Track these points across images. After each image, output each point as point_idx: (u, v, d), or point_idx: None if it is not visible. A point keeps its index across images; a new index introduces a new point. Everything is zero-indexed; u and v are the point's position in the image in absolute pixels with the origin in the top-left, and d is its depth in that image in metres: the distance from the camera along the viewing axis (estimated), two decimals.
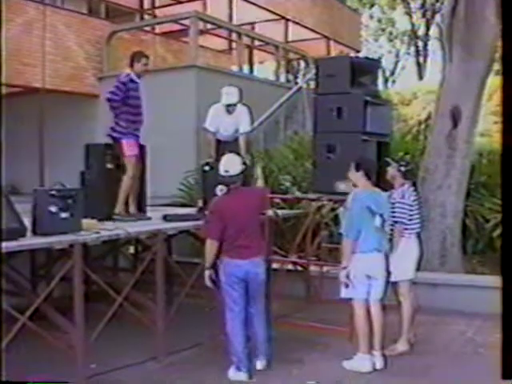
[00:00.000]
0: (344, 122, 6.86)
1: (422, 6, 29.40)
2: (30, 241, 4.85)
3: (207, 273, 5.44)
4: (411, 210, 6.01)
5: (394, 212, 5.88)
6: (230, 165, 5.51)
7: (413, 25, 30.68)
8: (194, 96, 12.23)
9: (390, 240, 5.84)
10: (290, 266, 7.88)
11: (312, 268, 8.02)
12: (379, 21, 32.69)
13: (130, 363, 5.65)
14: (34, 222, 5.19)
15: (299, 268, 8.05)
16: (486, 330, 6.81)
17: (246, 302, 5.50)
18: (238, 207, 5.42)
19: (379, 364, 5.61)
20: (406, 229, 5.99)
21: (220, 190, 6.61)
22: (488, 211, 9.00)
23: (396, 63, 34.65)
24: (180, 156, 11.53)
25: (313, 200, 7.44)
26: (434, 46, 30.12)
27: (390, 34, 32.92)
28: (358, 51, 22.96)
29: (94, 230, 5.42)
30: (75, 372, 5.13)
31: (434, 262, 8.32)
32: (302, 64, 26.01)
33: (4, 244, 4.48)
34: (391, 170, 6.18)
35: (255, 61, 19.38)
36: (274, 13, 18.03)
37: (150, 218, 6.77)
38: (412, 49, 33.54)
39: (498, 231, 8.57)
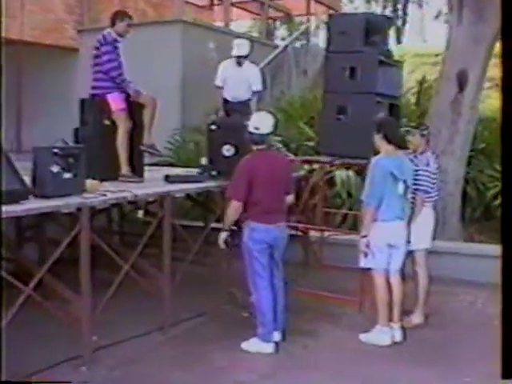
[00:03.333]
0: (357, 83, 6.50)
1: None
2: (35, 204, 4.38)
3: (224, 235, 5.12)
4: (434, 179, 5.74)
5: (417, 179, 5.58)
6: (261, 122, 5.14)
7: None
8: (179, 52, 11.71)
9: (412, 208, 5.56)
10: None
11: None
12: None
13: (135, 335, 5.31)
14: (34, 183, 4.74)
15: (298, 233, 7.74)
16: (494, 301, 6.62)
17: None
18: (267, 169, 5.09)
19: (398, 337, 5.37)
20: (428, 197, 5.71)
21: (227, 150, 6.27)
22: (488, 178, 8.82)
23: None
24: (164, 114, 10.98)
25: (325, 163, 7.07)
26: (412, 9, 29.86)
27: None
28: (337, 11, 22.47)
29: (98, 192, 4.99)
30: (80, 345, 4.76)
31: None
32: (278, 23, 25.45)
33: (8, 208, 4.06)
34: (415, 139, 5.82)
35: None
36: None
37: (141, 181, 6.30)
38: (387, 11, 33.12)
39: (499, 200, 8.37)
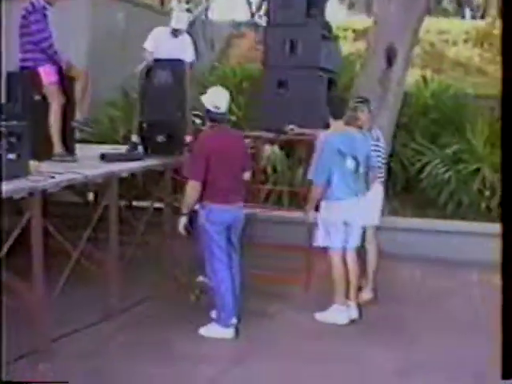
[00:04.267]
0: (298, 57, 6.37)
1: None
2: None
3: (183, 220, 4.84)
4: (384, 153, 5.71)
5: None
6: (220, 100, 4.90)
7: None
8: (86, 23, 11.10)
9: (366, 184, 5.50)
10: None
11: None
12: None
13: (87, 324, 4.97)
14: None
15: None
16: (432, 274, 6.80)
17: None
18: (225, 147, 4.88)
19: (354, 314, 5.33)
20: (380, 173, 5.68)
21: (160, 138, 6.20)
22: (411, 152, 8.95)
23: None
24: None
25: (271, 139, 6.90)
26: None
27: None
28: None
29: (47, 174, 4.59)
30: (36, 339, 4.41)
31: None
32: None
33: None
34: (364, 115, 5.71)
35: None
36: None
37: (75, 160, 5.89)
38: None
39: (424, 174, 8.53)
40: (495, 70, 13.46)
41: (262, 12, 33.04)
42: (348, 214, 5.24)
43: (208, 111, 4.90)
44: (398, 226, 7.54)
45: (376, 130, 5.80)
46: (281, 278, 6.25)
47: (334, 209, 5.21)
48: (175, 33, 6.74)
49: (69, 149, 5.98)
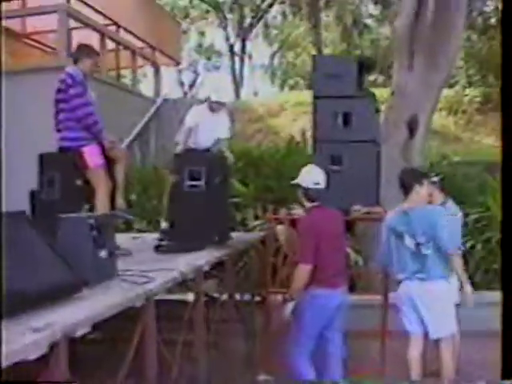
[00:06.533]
0: (353, 131, 5.96)
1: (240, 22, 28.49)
2: (99, 303, 3.13)
3: (290, 306, 4.45)
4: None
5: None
6: (319, 176, 4.62)
7: (228, 38, 29.57)
8: None
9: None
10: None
11: None
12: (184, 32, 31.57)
13: None
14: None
15: None
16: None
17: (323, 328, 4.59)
18: (329, 226, 4.55)
19: None
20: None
21: None
22: None
23: (196, 77, 34.09)
24: None
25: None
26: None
27: (199, 46, 32.09)
28: (178, 63, 22.07)
29: (133, 273, 3.89)
30: None
31: None
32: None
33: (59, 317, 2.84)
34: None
35: None
36: (109, 18, 16.29)
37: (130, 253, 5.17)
38: (210, 64, 33.53)
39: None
40: (470, 137, 13.69)
41: (194, 90, 33.23)
42: (411, 297, 4.78)
43: (307, 190, 4.56)
44: None
45: (449, 204, 5.39)
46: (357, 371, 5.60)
47: (401, 290, 4.86)
48: (213, 106, 6.24)
49: None
